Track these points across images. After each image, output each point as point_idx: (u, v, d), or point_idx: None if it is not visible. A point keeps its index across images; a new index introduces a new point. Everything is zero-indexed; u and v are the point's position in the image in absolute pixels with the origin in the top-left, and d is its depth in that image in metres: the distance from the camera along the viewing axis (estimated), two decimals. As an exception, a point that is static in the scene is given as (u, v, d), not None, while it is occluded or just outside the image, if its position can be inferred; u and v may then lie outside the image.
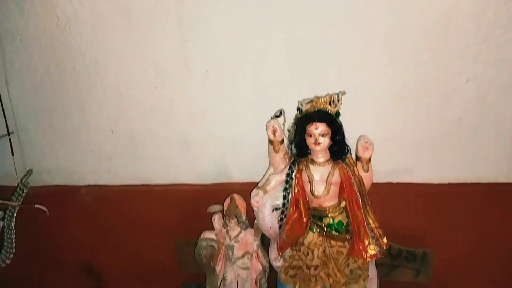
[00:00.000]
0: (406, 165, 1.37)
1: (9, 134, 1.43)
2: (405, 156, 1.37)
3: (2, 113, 1.48)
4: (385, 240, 1.21)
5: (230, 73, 1.39)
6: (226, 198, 1.38)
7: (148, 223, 1.59)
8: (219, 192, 1.42)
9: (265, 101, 1.34)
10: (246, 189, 1.32)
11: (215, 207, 1.38)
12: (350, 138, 1.20)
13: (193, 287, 1.55)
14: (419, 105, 1.31)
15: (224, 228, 1.36)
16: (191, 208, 1.51)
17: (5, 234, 1.42)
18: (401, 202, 1.39)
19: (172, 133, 1.50)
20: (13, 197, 1.40)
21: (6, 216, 1.36)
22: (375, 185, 1.29)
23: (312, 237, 1.25)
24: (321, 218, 1.23)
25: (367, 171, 1.20)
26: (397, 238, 1.37)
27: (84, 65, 1.45)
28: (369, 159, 1.19)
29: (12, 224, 1.41)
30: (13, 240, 1.44)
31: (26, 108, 1.53)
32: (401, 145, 1.35)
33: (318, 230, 1.24)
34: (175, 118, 1.48)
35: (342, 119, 1.19)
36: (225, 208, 1.37)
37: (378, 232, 1.21)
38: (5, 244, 1.43)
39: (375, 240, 1.21)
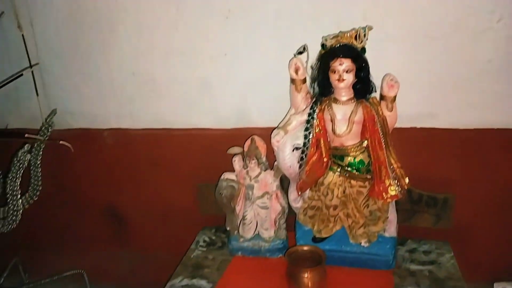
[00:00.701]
0: (431, 109, 1.34)
1: (31, 66, 1.44)
2: (431, 99, 1.33)
3: (26, 51, 1.49)
4: (406, 180, 1.20)
5: (251, 12, 1.35)
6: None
7: (169, 167, 1.61)
8: (239, 137, 1.41)
9: (288, 40, 1.30)
10: (267, 134, 1.31)
11: (236, 149, 1.38)
12: (375, 78, 1.17)
13: (213, 229, 1.58)
14: (448, 45, 1.25)
15: (244, 169, 1.37)
16: (212, 152, 1.52)
17: (32, 171, 1.46)
18: (425, 147, 1.36)
19: (193, 76, 1.49)
20: (38, 135, 1.43)
21: (33, 150, 1.39)
22: (398, 130, 1.27)
23: (332, 177, 1.25)
24: (342, 158, 1.22)
25: (391, 111, 1.17)
26: (418, 183, 1.34)
27: (105, 4, 1.44)
28: (394, 98, 1.16)
29: (38, 161, 1.45)
30: (40, 178, 1.48)
31: (50, 49, 1.54)
32: (427, 88, 1.31)
33: (338, 170, 1.24)
34: (196, 60, 1.46)
35: (367, 57, 1.16)
36: (246, 149, 1.37)
37: (400, 172, 1.19)
38: (32, 181, 1.48)
39: (396, 181, 1.20)
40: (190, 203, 1.62)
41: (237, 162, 1.38)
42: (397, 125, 1.24)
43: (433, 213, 1.38)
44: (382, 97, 1.17)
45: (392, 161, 1.19)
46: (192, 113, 1.54)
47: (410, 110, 1.32)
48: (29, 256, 1.87)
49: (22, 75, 1.46)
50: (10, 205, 1.35)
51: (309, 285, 1.16)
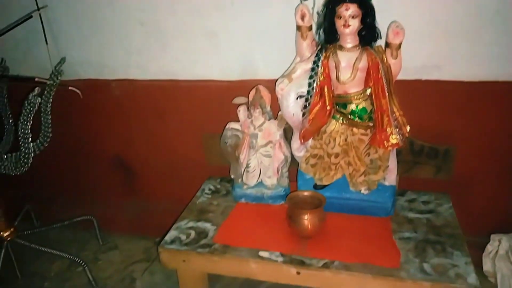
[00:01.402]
0: (436, 61, 1.33)
1: (38, 9, 1.46)
2: (436, 50, 1.32)
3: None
4: (408, 128, 1.22)
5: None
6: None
7: (176, 117, 1.65)
8: (245, 89, 1.43)
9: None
10: (272, 85, 1.33)
11: (241, 99, 1.40)
12: (381, 27, 1.17)
13: (218, 179, 1.62)
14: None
15: (249, 118, 1.39)
16: (217, 103, 1.55)
17: (42, 118, 1.50)
18: (428, 99, 1.37)
19: (199, 26, 1.49)
20: (48, 81, 1.46)
21: (43, 94, 1.43)
22: (403, 82, 1.28)
23: (334, 125, 1.27)
24: (345, 105, 1.24)
25: (396, 58, 1.17)
26: (421, 135, 1.37)
27: None
28: (399, 46, 1.16)
29: (48, 108, 1.48)
30: (50, 125, 1.52)
31: (59, -2, 1.56)
32: (434, 39, 1.31)
33: (341, 118, 1.26)
34: (202, 10, 1.46)
35: (373, 4, 1.16)
36: (250, 99, 1.39)
37: (402, 120, 1.21)
38: (43, 128, 1.52)
39: (397, 130, 1.22)
40: (196, 153, 1.66)
41: (241, 112, 1.41)
42: (402, 77, 1.24)
43: (434, 164, 1.40)
44: (387, 44, 1.18)
45: (395, 109, 1.21)
46: (198, 64, 1.56)
47: (415, 62, 1.33)
48: (40, 203, 1.94)
49: (31, 17, 1.47)
50: (21, 148, 1.40)
51: (309, 226, 1.21)
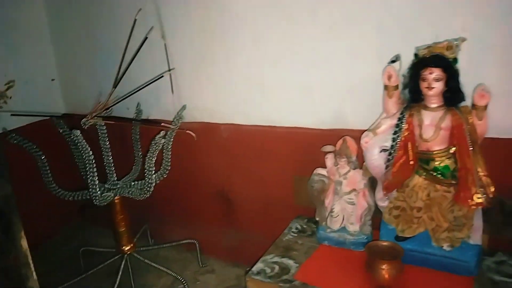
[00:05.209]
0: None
1: (169, 70, 1.81)
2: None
3: (166, 58, 1.86)
4: (492, 188, 1.21)
5: (354, 24, 1.49)
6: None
7: (272, 159, 1.83)
8: (334, 137, 1.55)
9: (388, 49, 1.40)
10: (360, 136, 1.43)
11: (329, 147, 1.53)
12: (470, 87, 1.22)
13: (305, 219, 1.74)
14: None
15: (335, 166, 1.51)
16: (308, 149, 1.69)
17: (164, 154, 1.82)
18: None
19: (297, 80, 1.68)
20: (171, 125, 1.78)
21: (166, 136, 1.74)
22: (495, 140, 1.28)
23: (417, 180, 1.32)
24: (427, 162, 1.28)
25: (482, 120, 1.20)
26: (513, 195, 1.33)
27: (230, 19, 1.72)
28: (485, 108, 1.19)
29: (170, 146, 1.80)
30: (169, 160, 1.83)
31: (184, 55, 1.89)
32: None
33: (424, 173, 1.30)
34: (300, 66, 1.65)
35: (463, 67, 1.21)
36: (337, 148, 1.51)
37: (486, 181, 1.21)
38: (164, 162, 1.84)
39: (482, 189, 1.22)
40: (287, 193, 1.81)
41: (329, 159, 1.53)
42: (493, 135, 1.25)
43: (527, 227, 1.33)
44: (473, 106, 1.21)
45: (479, 169, 1.22)
46: (294, 114, 1.73)
47: (508, 121, 1.31)
48: (155, 224, 2.28)
49: (162, 76, 1.83)
50: (146, 178, 1.72)
51: (386, 277, 1.25)
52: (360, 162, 1.49)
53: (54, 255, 2.33)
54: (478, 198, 1.22)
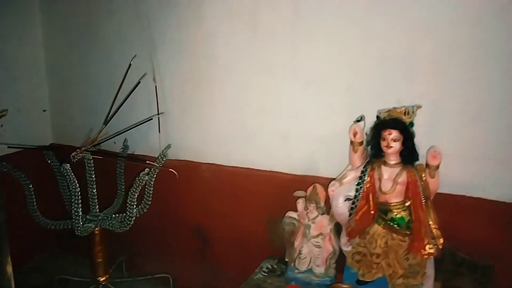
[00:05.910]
0: (480, 181, 1.46)
1: (158, 114, 1.95)
2: (481, 171, 1.46)
3: (156, 101, 2.01)
4: (441, 240, 1.34)
5: (328, 83, 1.67)
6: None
7: (248, 199, 1.94)
8: (306, 183, 1.68)
9: (356, 108, 1.57)
10: (329, 184, 1.57)
11: (300, 193, 1.65)
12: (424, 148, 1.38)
13: (276, 259, 1.84)
14: (497, 125, 1.40)
15: (305, 210, 1.63)
16: (282, 192, 1.80)
17: (146, 189, 1.91)
18: (472, 215, 1.48)
19: (276, 128, 1.83)
20: (155, 162, 1.89)
21: (150, 173, 1.84)
22: (448, 196, 1.44)
23: (377, 228, 1.45)
24: (386, 212, 1.42)
25: (433, 178, 1.35)
26: (462, 247, 1.46)
27: (217, 68, 1.88)
28: (437, 167, 1.34)
29: (152, 182, 1.90)
30: (151, 195, 1.92)
31: (172, 99, 2.04)
32: (479, 161, 1.45)
33: (382, 222, 1.43)
34: (279, 116, 1.81)
35: (419, 130, 1.38)
36: (308, 193, 1.63)
37: (436, 233, 1.35)
38: (145, 197, 1.92)
39: (433, 240, 1.35)
40: (260, 233, 1.91)
41: (300, 204, 1.65)
42: (448, 191, 1.42)
43: (474, 277, 1.46)
44: (426, 165, 1.37)
45: (431, 222, 1.36)
46: (271, 158, 1.87)
47: (460, 179, 1.47)
48: (130, 256, 2.33)
49: (152, 119, 1.96)
50: (127, 212, 1.80)
51: (344, 318, 1.36)
52: (327, 208, 1.62)
53: (30, 281, 2.35)
54: (430, 248, 1.35)
